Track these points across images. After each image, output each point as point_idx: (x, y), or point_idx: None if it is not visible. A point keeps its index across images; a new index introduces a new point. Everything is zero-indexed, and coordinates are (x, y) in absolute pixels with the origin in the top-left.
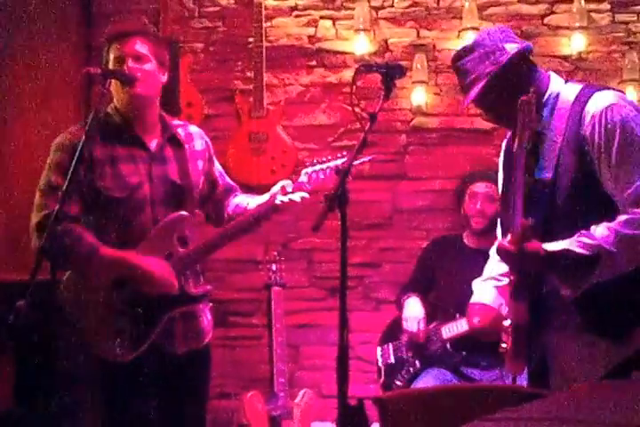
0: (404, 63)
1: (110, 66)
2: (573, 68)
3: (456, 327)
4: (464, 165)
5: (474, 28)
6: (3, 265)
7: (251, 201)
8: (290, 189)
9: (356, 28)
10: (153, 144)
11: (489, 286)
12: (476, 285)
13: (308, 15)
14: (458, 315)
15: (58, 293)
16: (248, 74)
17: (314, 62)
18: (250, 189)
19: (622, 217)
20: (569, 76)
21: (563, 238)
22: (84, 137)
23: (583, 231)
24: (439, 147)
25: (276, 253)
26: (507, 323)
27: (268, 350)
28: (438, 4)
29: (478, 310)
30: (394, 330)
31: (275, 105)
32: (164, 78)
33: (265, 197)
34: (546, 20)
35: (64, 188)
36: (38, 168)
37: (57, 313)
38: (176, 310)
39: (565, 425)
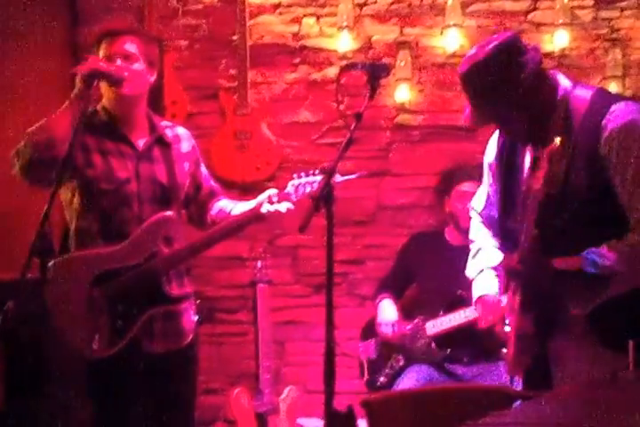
0: (387, 60)
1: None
2: (556, 64)
3: (441, 324)
4: (448, 161)
5: (457, 25)
6: None
7: (234, 207)
8: (275, 199)
9: (339, 25)
10: (140, 143)
11: (491, 277)
12: (475, 275)
13: (292, 13)
14: (442, 312)
15: (43, 289)
16: (232, 71)
17: (298, 60)
18: (234, 186)
19: (633, 238)
20: None
21: (567, 252)
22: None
23: (593, 249)
24: (423, 144)
25: (261, 250)
26: (507, 329)
27: (253, 347)
28: (421, 1)
29: (489, 305)
30: (374, 325)
31: (259, 102)
32: (153, 78)
33: (250, 204)
34: (529, 17)
35: (53, 189)
36: None
37: (45, 311)
38: (155, 310)
39: None
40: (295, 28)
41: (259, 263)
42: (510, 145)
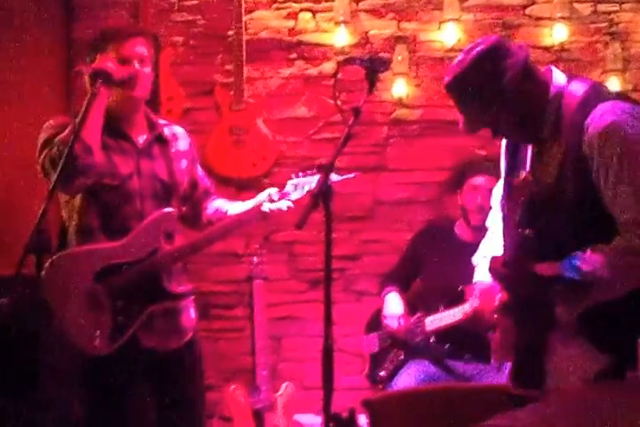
0: (384, 55)
1: (100, 63)
2: (555, 58)
3: (440, 319)
4: (445, 156)
5: (455, 20)
6: None
7: (230, 207)
8: (276, 198)
9: (336, 20)
10: (140, 140)
11: None
12: (478, 261)
13: (288, 8)
14: (442, 307)
15: (40, 281)
16: (228, 67)
17: (294, 55)
18: (231, 182)
19: (619, 243)
20: None
21: (555, 256)
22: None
23: (578, 254)
24: (420, 139)
25: (257, 246)
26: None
27: (249, 343)
28: None
29: (484, 290)
30: (379, 318)
31: (255, 98)
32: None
33: (249, 204)
34: (527, 11)
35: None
36: (19, 160)
37: (41, 307)
38: (156, 306)
39: None
40: (291, 24)
41: (255, 259)
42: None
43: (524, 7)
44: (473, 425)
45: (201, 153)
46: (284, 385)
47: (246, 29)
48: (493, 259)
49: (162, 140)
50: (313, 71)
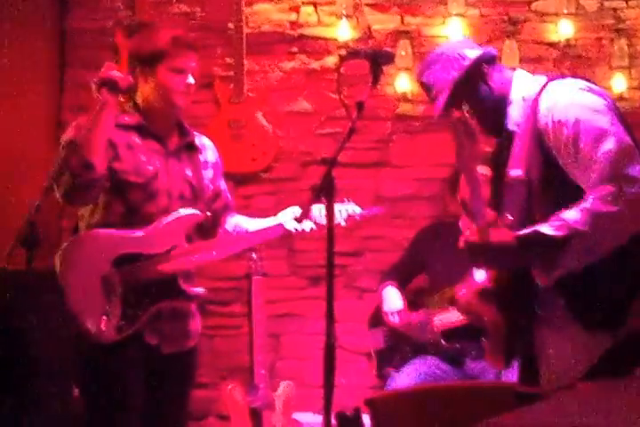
0: (388, 50)
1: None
2: (561, 54)
3: (449, 318)
4: (448, 153)
5: (459, 15)
6: None
7: (250, 225)
8: (299, 218)
9: (338, 13)
10: (170, 143)
11: None
12: None
13: (290, 1)
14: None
15: (55, 259)
16: (227, 60)
17: (295, 49)
18: (230, 177)
19: (591, 195)
20: (556, 64)
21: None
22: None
23: (554, 216)
24: (424, 134)
25: None
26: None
27: (247, 340)
28: None
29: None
30: (381, 313)
31: (255, 92)
32: None
33: (269, 222)
34: (533, 6)
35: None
36: (13, 155)
37: (31, 302)
38: (166, 303)
39: None
40: (293, 17)
41: (254, 255)
42: None
43: (530, 2)
44: (477, 424)
45: None
46: (282, 384)
47: (247, 22)
48: (461, 236)
49: (192, 148)
50: (315, 65)
